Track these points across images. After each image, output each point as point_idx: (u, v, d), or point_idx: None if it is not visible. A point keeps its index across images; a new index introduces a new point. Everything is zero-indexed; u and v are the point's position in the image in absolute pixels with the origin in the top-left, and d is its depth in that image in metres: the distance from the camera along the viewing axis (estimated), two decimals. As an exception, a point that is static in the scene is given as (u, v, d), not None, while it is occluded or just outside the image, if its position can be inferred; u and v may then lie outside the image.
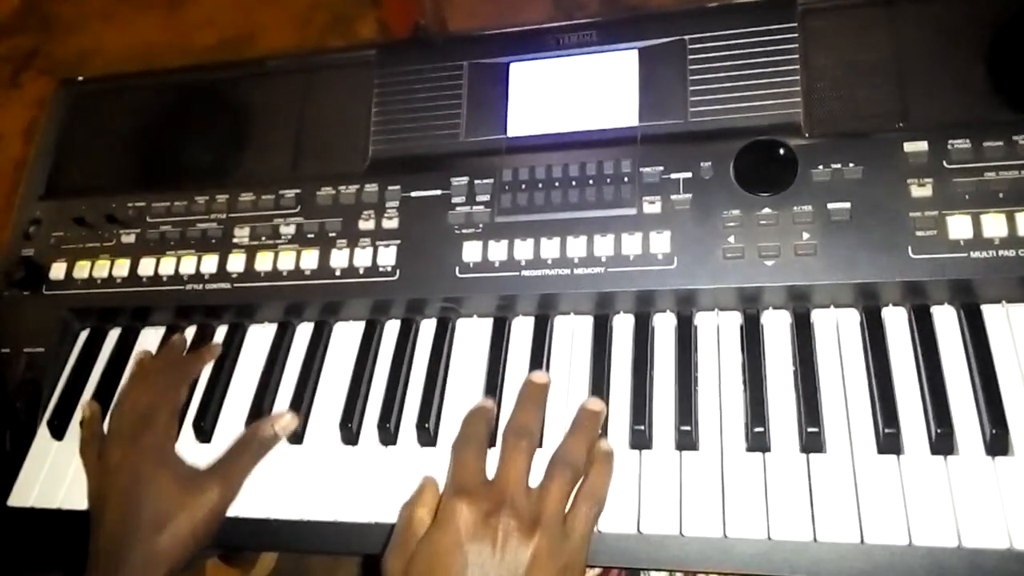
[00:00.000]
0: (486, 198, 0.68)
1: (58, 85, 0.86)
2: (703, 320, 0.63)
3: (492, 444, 0.60)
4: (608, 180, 0.66)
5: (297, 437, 0.65)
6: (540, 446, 0.59)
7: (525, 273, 0.65)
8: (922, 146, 0.60)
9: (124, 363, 0.73)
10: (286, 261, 0.70)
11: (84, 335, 0.75)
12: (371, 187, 0.71)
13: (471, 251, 0.66)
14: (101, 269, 0.74)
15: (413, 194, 0.70)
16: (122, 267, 0.74)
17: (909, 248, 0.58)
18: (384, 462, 0.62)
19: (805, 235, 0.60)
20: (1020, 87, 0.61)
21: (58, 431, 0.69)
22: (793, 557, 0.53)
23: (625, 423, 0.59)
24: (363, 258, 0.68)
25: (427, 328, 0.68)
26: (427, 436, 0.62)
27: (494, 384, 0.63)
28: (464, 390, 0.64)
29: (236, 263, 0.71)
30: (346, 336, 0.70)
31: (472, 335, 0.67)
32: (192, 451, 0.65)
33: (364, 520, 0.60)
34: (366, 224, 0.70)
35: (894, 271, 0.58)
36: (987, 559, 0.50)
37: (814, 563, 0.53)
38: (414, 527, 0.54)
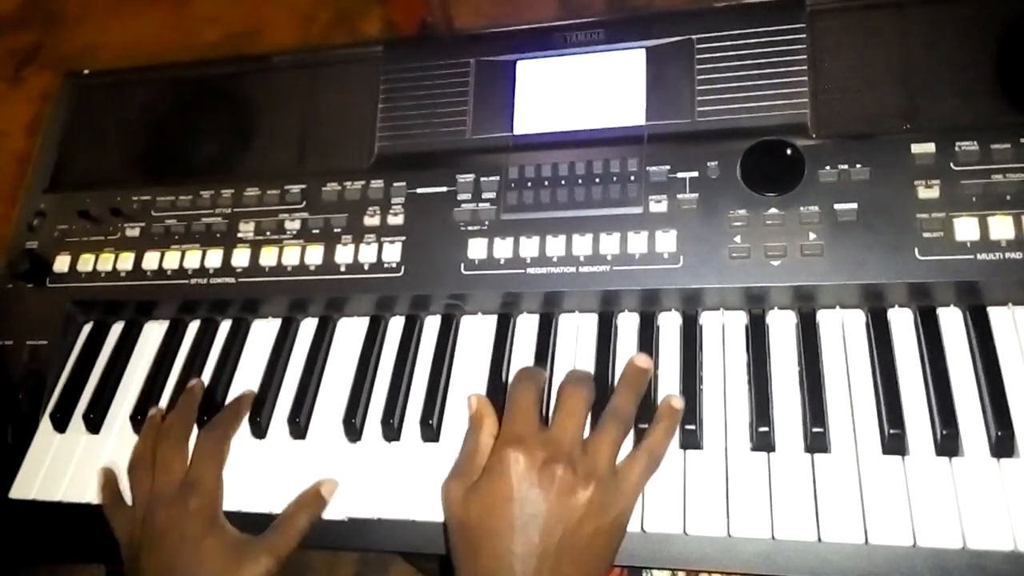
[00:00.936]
0: (492, 195, 0.68)
1: (63, 78, 0.86)
2: (708, 320, 0.63)
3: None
4: (614, 179, 0.66)
5: (300, 433, 0.65)
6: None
7: (530, 271, 0.65)
8: (929, 147, 0.60)
9: (127, 357, 0.73)
10: (291, 256, 0.70)
11: (87, 328, 0.75)
12: (377, 183, 0.71)
13: (476, 248, 0.66)
14: (105, 262, 0.74)
15: (419, 191, 0.70)
16: (126, 261, 0.73)
17: (916, 249, 0.58)
18: (388, 458, 0.62)
19: (811, 235, 0.60)
20: (1028, 90, 0.61)
21: (61, 424, 0.69)
22: (797, 557, 0.53)
23: (629, 421, 0.59)
24: (368, 254, 0.68)
25: (431, 325, 0.68)
26: (430, 432, 0.62)
27: (497, 381, 0.63)
28: (468, 387, 0.64)
29: (241, 258, 0.71)
30: (350, 332, 0.70)
31: (476, 332, 0.67)
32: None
33: (366, 516, 0.60)
34: (371, 220, 0.70)
35: (900, 272, 0.58)
36: (991, 561, 0.50)
37: (818, 563, 0.53)
38: (479, 455, 0.56)
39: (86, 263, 0.74)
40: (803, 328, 0.60)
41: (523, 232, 0.66)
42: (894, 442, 0.54)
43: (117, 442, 0.68)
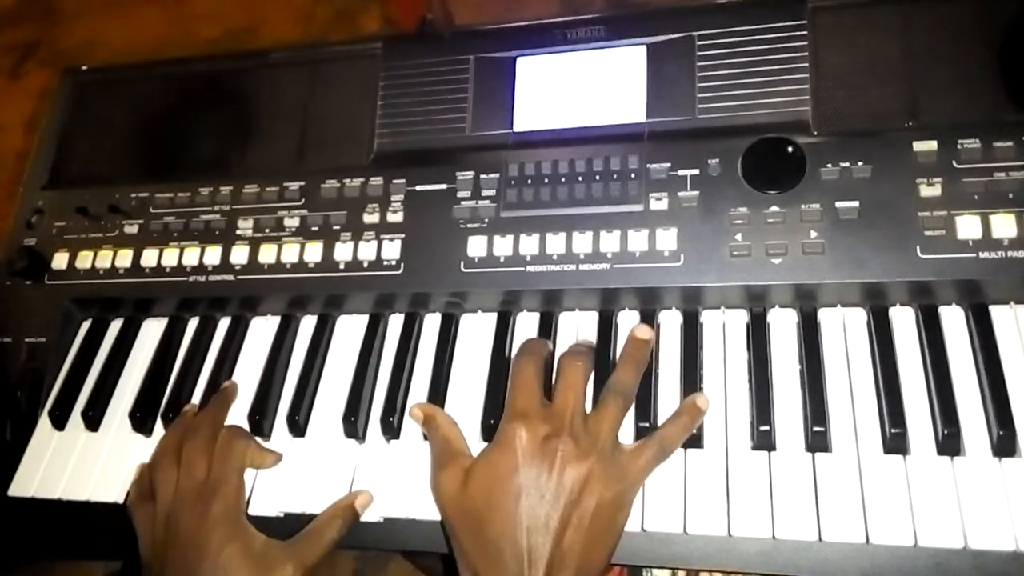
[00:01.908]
0: (491, 193, 0.68)
1: (62, 75, 0.85)
2: (709, 318, 0.63)
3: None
4: (615, 176, 0.65)
5: (299, 430, 0.65)
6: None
7: (530, 268, 0.65)
8: (931, 145, 0.60)
9: (126, 354, 0.72)
10: (290, 254, 0.70)
11: (86, 326, 0.75)
12: (376, 180, 0.70)
13: (476, 246, 0.66)
14: (104, 259, 0.74)
15: (418, 188, 0.69)
16: (125, 258, 0.73)
17: (917, 248, 0.58)
18: (387, 456, 0.62)
19: (813, 233, 0.60)
20: (1031, 87, 0.60)
21: (59, 421, 0.69)
22: (797, 557, 0.53)
23: (630, 420, 0.58)
24: (367, 251, 0.68)
25: (431, 323, 0.68)
26: (430, 431, 0.62)
27: (497, 379, 0.63)
28: (468, 385, 0.64)
29: (239, 255, 0.71)
30: (350, 330, 0.69)
31: (476, 330, 0.67)
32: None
33: (370, 518, 0.60)
34: (371, 217, 0.69)
35: (902, 271, 0.58)
36: (992, 561, 0.50)
37: (818, 563, 0.52)
38: (454, 442, 0.57)
39: (85, 260, 0.74)
40: (804, 327, 0.60)
41: (523, 230, 0.66)
42: (895, 441, 0.54)
43: (115, 439, 0.68)
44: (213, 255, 0.71)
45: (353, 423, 0.63)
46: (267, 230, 0.71)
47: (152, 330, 0.74)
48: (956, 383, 0.55)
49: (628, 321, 0.64)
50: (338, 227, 0.70)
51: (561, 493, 0.51)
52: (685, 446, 0.57)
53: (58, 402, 0.70)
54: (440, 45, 0.74)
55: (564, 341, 0.64)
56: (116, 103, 0.82)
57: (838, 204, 0.60)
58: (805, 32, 0.65)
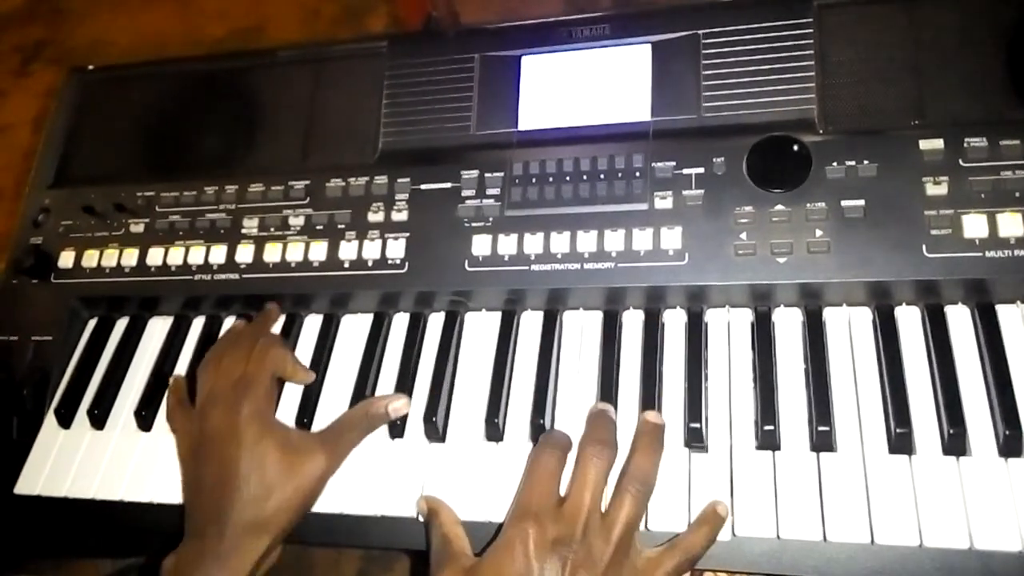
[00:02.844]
0: (496, 191, 0.67)
1: (68, 73, 0.85)
2: (714, 317, 0.63)
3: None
4: (619, 175, 0.65)
5: (306, 430, 0.65)
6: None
7: (535, 267, 0.65)
8: (938, 144, 0.60)
9: (132, 353, 0.73)
10: (295, 252, 0.70)
11: (92, 324, 0.75)
12: (381, 179, 0.70)
13: (480, 244, 0.66)
14: (110, 258, 0.74)
15: (423, 187, 0.70)
16: (131, 256, 0.73)
17: (923, 247, 0.57)
18: (392, 455, 0.62)
19: (818, 232, 0.60)
20: (1038, 85, 0.60)
21: (65, 420, 0.69)
22: (802, 557, 0.53)
23: (634, 420, 0.58)
24: (372, 250, 0.68)
25: (435, 321, 0.68)
26: (434, 430, 0.62)
27: (501, 378, 0.63)
28: (472, 384, 0.64)
29: (245, 254, 0.71)
30: (354, 329, 0.69)
31: (480, 329, 0.67)
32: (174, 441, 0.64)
33: (368, 513, 0.60)
34: (375, 216, 0.69)
35: (908, 270, 0.57)
36: (998, 562, 0.50)
37: (823, 563, 0.52)
38: (456, 541, 0.55)
39: (91, 259, 0.74)
40: (809, 326, 0.60)
41: (527, 228, 0.66)
42: (901, 441, 0.54)
43: (121, 437, 0.68)
44: (218, 254, 0.71)
45: (357, 422, 0.63)
46: (272, 229, 0.71)
47: (158, 328, 0.74)
48: (962, 383, 0.55)
49: (633, 320, 0.64)
50: (343, 226, 0.70)
51: None
52: (689, 448, 0.57)
53: (64, 400, 0.70)
54: (445, 44, 0.74)
55: (568, 341, 0.64)
56: (122, 102, 0.83)
57: (844, 203, 0.60)
58: (811, 30, 0.65)
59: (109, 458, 0.67)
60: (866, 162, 0.60)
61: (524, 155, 0.68)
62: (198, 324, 0.73)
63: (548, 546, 0.50)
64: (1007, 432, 0.52)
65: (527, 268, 0.65)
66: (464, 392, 0.64)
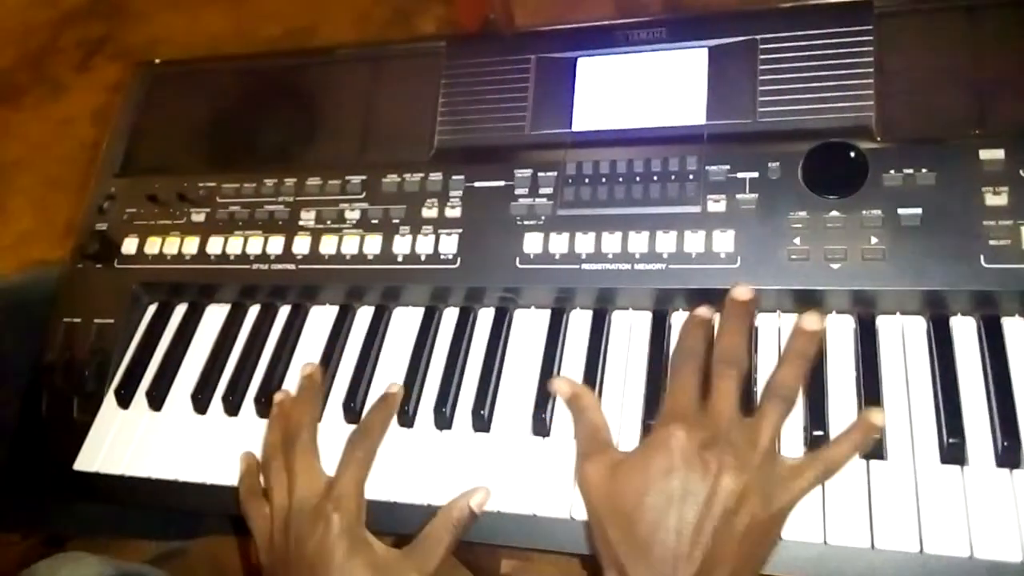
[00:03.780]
0: (549, 191, 0.68)
1: (135, 67, 0.88)
2: (764, 321, 0.63)
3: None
4: (673, 177, 0.66)
5: (355, 418, 0.66)
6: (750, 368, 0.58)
7: (585, 266, 0.65)
8: (998, 154, 0.59)
9: (189, 338, 0.75)
10: (350, 245, 0.71)
11: (152, 309, 0.77)
12: (435, 176, 0.72)
13: (532, 242, 0.67)
14: (171, 246, 0.76)
15: (476, 184, 0.71)
16: (191, 244, 0.76)
17: (981, 257, 0.57)
18: (439, 446, 0.63)
19: (873, 239, 0.59)
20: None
21: (124, 400, 0.72)
22: (848, 564, 0.52)
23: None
24: (425, 245, 0.69)
25: (485, 317, 0.69)
26: (482, 422, 0.63)
27: (549, 375, 0.63)
28: (519, 379, 0.65)
29: (301, 245, 0.73)
30: (405, 321, 0.71)
31: (529, 326, 0.68)
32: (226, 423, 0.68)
33: (415, 502, 0.61)
34: (429, 212, 0.71)
35: (965, 280, 0.57)
36: (1052, 576, 0.49)
37: (869, 571, 0.52)
38: (602, 431, 0.56)
39: (153, 246, 0.77)
40: (862, 333, 0.60)
41: (579, 228, 0.66)
42: (952, 451, 0.53)
43: (177, 419, 0.70)
44: (276, 244, 0.73)
45: (406, 412, 0.65)
46: (328, 221, 0.73)
47: (215, 315, 0.76)
48: (1017, 395, 0.54)
49: (681, 322, 0.64)
50: (397, 220, 0.71)
51: (716, 503, 0.49)
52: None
53: (124, 381, 0.72)
54: (502, 45, 0.75)
55: (616, 341, 0.65)
56: (186, 96, 0.85)
57: (900, 211, 0.59)
58: (870, 37, 0.65)
59: (165, 439, 0.70)
60: (924, 170, 0.60)
61: (578, 155, 0.69)
62: (254, 312, 0.75)
63: (696, 447, 0.51)
64: (1064, 446, 0.51)
65: (578, 267, 0.65)
66: (512, 387, 0.65)
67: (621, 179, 0.67)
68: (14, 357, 0.78)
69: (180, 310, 0.77)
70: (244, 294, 0.75)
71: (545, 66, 0.73)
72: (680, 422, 0.52)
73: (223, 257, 0.74)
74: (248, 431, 0.68)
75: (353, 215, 0.72)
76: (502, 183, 0.70)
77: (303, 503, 0.59)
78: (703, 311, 0.60)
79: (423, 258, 0.69)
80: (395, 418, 0.65)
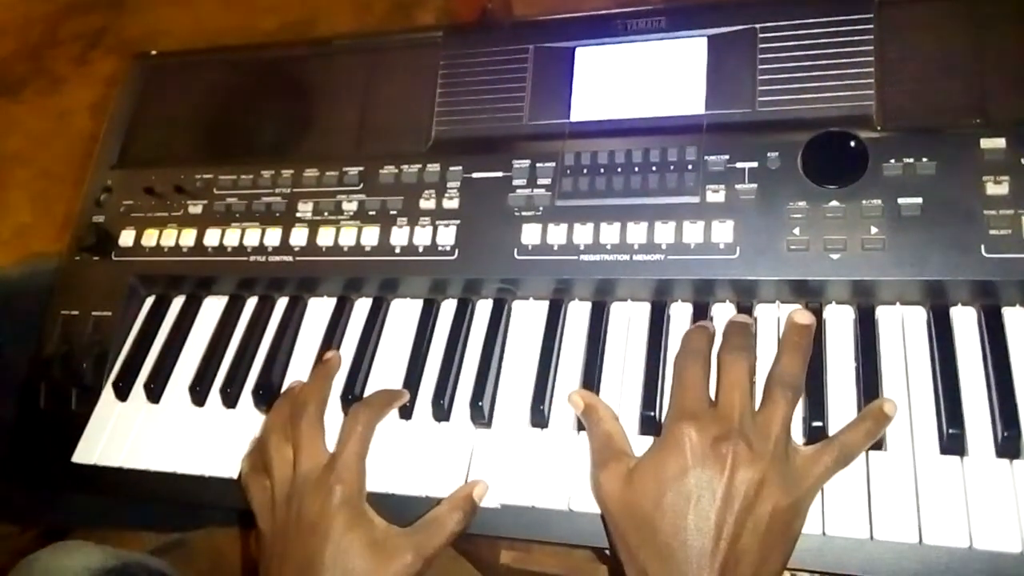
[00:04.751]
0: (547, 181, 0.68)
1: (132, 59, 0.88)
2: (763, 312, 0.62)
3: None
4: (671, 167, 0.65)
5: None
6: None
7: (584, 257, 0.65)
8: (999, 143, 0.59)
9: (187, 330, 0.75)
10: (347, 237, 0.71)
11: (150, 301, 0.77)
12: (433, 167, 0.71)
13: (530, 233, 0.66)
14: (168, 238, 0.76)
15: (474, 175, 0.70)
16: (188, 236, 0.75)
17: (982, 247, 0.57)
18: (437, 438, 0.63)
19: (873, 229, 0.59)
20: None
21: (122, 392, 0.72)
22: (847, 554, 0.52)
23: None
24: (423, 236, 0.69)
25: (483, 308, 0.69)
26: (480, 414, 0.63)
27: (547, 366, 0.63)
28: (517, 371, 0.65)
29: (299, 237, 0.72)
30: (403, 313, 0.71)
31: (527, 317, 0.67)
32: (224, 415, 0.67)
33: (413, 494, 0.61)
34: (427, 203, 0.70)
35: (965, 270, 0.57)
36: (1051, 566, 0.49)
37: (869, 561, 0.52)
38: (615, 439, 0.56)
39: (150, 238, 0.76)
40: (861, 323, 0.59)
41: (577, 219, 0.66)
42: (952, 442, 0.53)
43: (175, 412, 0.70)
44: (273, 236, 0.73)
45: (405, 404, 0.64)
46: (326, 213, 0.73)
47: (213, 307, 0.76)
48: (1018, 385, 0.54)
49: (680, 313, 0.64)
50: (395, 212, 0.71)
51: (735, 497, 0.49)
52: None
53: (122, 374, 0.72)
54: (499, 35, 0.75)
55: (615, 332, 0.65)
56: (183, 88, 0.85)
57: (900, 200, 0.59)
58: (871, 26, 0.64)
59: (163, 431, 0.69)
60: (924, 160, 0.60)
61: (576, 146, 0.68)
62: (251, 304, 0.75)
63: (709, 444, 0.51)
64: (1064, 436, 0.51)
65: (576, 258, 0.65)
66: (510, 379, 0.65)
67: (619, 169, 0.66)
68: (12, 350, 0.78)
69: (178, 302, 0.77)
70: (242, 286, 0.75)
71: (543, 56, 0.73)
72: (691, 420, 0.52)
73: (220, 249, 0.74)
74: (246, 423, 0.68)
75: (350, 207, 0.72)
76: (500, 174, 0.70)
77: (306, 475, 0.59)
78: (706, 323, 0.60)
79: (421, 249, 0.69)
80: (395, 412, 0.65)
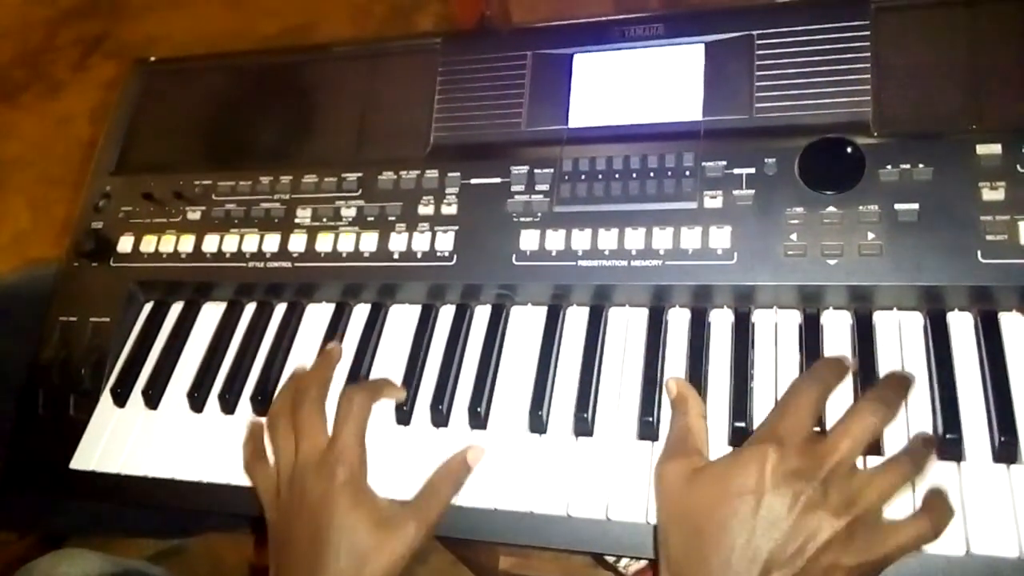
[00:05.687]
0: (545, 187, 0.68)
1: (131, 65, 0.88)
2: (761, 317, 0.63)
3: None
4: (669, 173, 0.65)
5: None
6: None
7: (582, 263, 0.65)
8: (995, 149, 0.59)
9: (185, 336, 0.75)
10: (346, 243, 0.71)
11: (148, 307, 0.77)
12: (432, 173, 0.72)
13: (528, 239, 0.67)
14: (167, 244, 0.76)
15: (473, 181, 0.70)
16: (187, 243, 0.75)
17: (978, 252, 0.57)
18: (436, 443, 0.63)
19: (870, 235, 0.59)
20: (1102, 91, 0.59)
21: (121, 399, 0.72)
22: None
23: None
24: (421, 242, 0.69)
25: (481, 314, 0.69)
26: (478, 420, 0.63)
27: (545, 372, 0.64)
28: (516, 377, 0.65)
29: (297, 243, 0.72)
30: (402, 319, 0.71)
31: (526, 323, 0.67)
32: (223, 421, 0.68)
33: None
34: (425, 209, 0.70)
35: (962, 275, 0.57)
36: (1051, 572, 0.49)
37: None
38: (692, 436, 0.55)
39: (149, 244, 0.77)
40: (859, 329, 0.60)
41: (575, 224, 0.66)
42: (950, 447, 0.53)
43: (173, 418, 0.70)
44: (272, 242, 0.73)
45: (403, 409, 0.65)
46: (324, 219, 0.73)
47: (211, 313, 0.76)
48: (1015, 390, 0.54)
49: (678, 319, 0.64)
50: (393, 218, 0.71)
51: (793, 539, 0.46)
52: (734, 445, 0.57)
53: (120, 380, 0.72)
54: (498, 41, 0.75)
55: (614, 337, 0.65)
56: (182, 93, 0.85)
57: (897, 206, 0.59)
58: (867, 32, 0.64)
59: (162, 437, 0.69)
60: (921, 166, 0.60)
61: (574, 152, 0.69)
62: (250, 310, 0.75)
63: (784, 474, 0.48)
64: (1061, 442, 0.51)
65: (574, 264, 0.65)
66: (508, 384, 0.65)
67: (617, 175, 0.66)
68: (10, 356, 0.77)
69: (176, 308, 0.77)
70: (240, 292, 0.75)
71: (541, 62, 0.73)
72: (777, 443, 0.49)
73: (219, 255, 0.74)
74: (244, 429, 0.67)
75: (349, 212, 0.72)
76: (498, 180, 0.70)
77: (308, 458, 0.60)
78: (846, 358, 0.57)
79: (419, 255, 0.69)
80: (394, 417, 0.65)
